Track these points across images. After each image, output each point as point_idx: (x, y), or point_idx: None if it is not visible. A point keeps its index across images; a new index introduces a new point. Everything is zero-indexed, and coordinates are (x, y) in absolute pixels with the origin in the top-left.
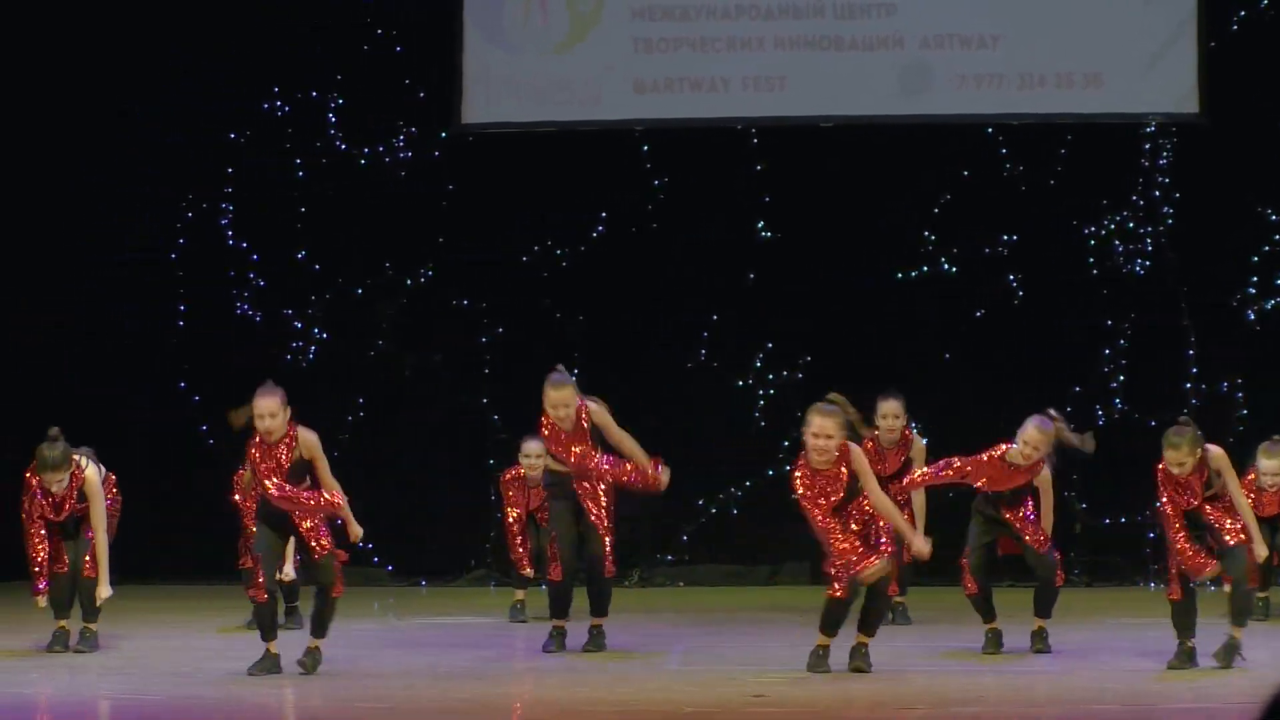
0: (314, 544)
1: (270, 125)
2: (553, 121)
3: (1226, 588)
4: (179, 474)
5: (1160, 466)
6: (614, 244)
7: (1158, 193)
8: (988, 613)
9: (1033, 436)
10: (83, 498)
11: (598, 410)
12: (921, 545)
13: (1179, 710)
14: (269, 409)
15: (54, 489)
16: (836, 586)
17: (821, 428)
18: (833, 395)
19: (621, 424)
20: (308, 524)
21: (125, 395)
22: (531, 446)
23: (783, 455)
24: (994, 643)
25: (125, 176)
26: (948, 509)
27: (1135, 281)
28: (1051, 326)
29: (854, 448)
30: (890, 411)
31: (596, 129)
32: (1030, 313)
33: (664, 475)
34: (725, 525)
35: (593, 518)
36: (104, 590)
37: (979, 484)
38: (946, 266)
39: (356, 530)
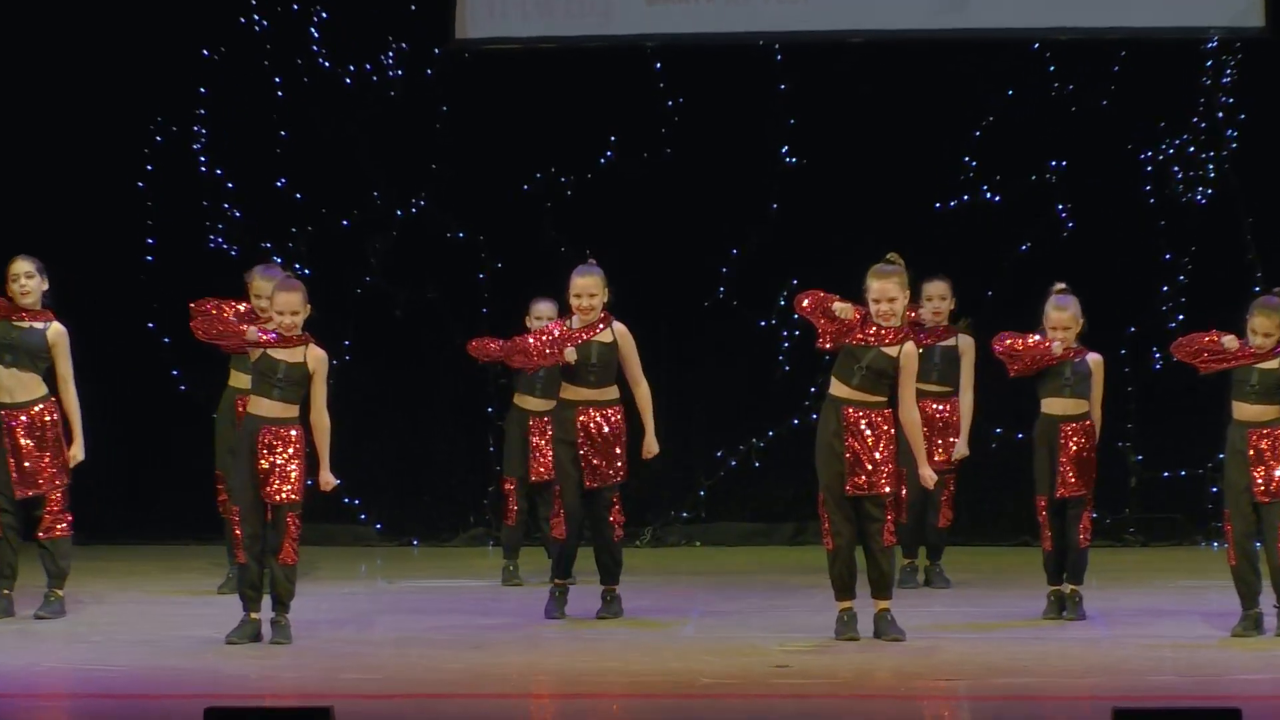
0: (274, 484)
1: (247, 41)
2: (557, 37)
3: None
4: (148, 423)
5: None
6: (624, 171)
7: (1220, 114)
8: (1054, 574)
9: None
10: (41, 347)
11: (625, 333)
12: (928, 473)
13: (1244, 681)
14: (291, 305)
15: (22, 279)
16: (827, 538)
17: (883, 291)
18: (891, 255)
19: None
20: (277, 459)
21: (89, 337)
22: (543, 308)
23: (809, 402)
24: (1055, 607)
25: (87, 99)
26: (974, 463)
27: (1196, 211)
28: (1104, 261)
29: (909, 344)
30: (936, 293)
31: (605, 45)
32: (1080, 246)
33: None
34: (746, 479)
35: (599, 473)
36: (78, 451)
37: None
38: (989, 195)
39: (329, 479)
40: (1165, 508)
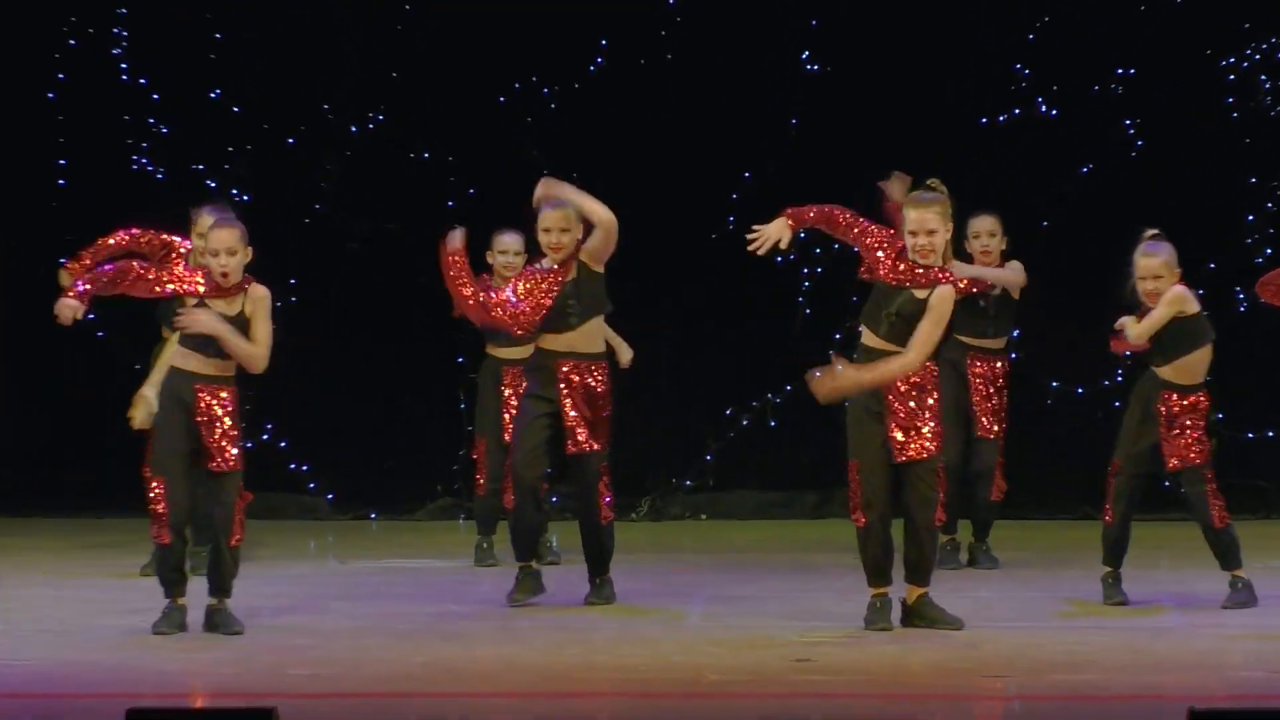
0: (215, 448)
1: None
2: None
3: None
4: (60, 376)
5: None
6: (617, 80)
7: None
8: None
9: None
10: None
11: (586, 247)
12: (843, 371)
13: None
14: (226, 243)
15: None
16: (857, 512)
17: (921, 222)
18: (932, 181)
19: (625, 311)
20: (216, 423)
21: None
22: (508, 240)
23: (835, 351)
24: (1115, 590)
25: None
26: (1029, 424)
27: None
28: (1178, 185)
29: (945, 288)
30: (984, 229)
31: None
32: (1151, 168)
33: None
34: (761, 442)
35: (580, 439)
36: None
37: None
38: (1044, 109)
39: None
40: (1250, 474)
